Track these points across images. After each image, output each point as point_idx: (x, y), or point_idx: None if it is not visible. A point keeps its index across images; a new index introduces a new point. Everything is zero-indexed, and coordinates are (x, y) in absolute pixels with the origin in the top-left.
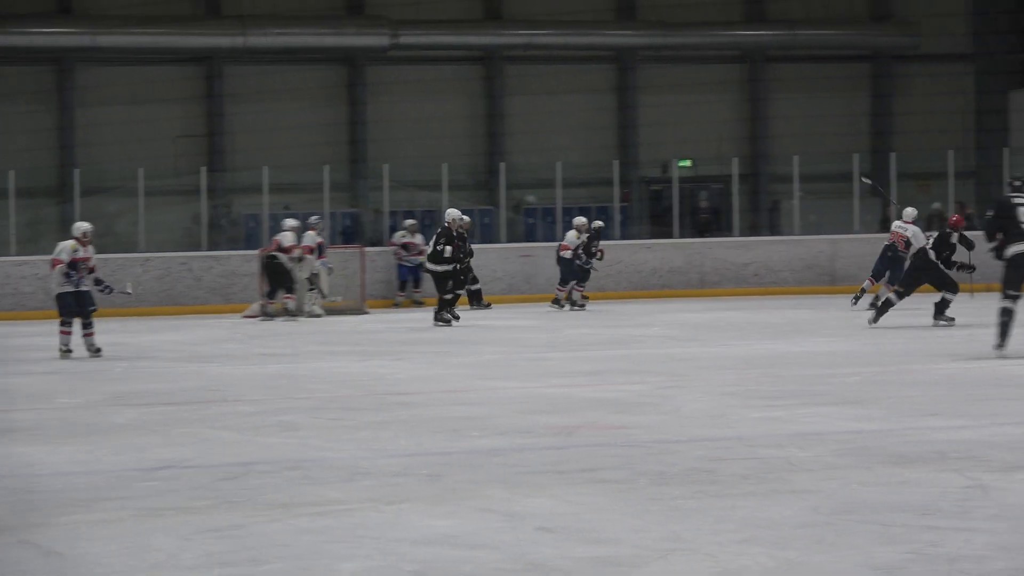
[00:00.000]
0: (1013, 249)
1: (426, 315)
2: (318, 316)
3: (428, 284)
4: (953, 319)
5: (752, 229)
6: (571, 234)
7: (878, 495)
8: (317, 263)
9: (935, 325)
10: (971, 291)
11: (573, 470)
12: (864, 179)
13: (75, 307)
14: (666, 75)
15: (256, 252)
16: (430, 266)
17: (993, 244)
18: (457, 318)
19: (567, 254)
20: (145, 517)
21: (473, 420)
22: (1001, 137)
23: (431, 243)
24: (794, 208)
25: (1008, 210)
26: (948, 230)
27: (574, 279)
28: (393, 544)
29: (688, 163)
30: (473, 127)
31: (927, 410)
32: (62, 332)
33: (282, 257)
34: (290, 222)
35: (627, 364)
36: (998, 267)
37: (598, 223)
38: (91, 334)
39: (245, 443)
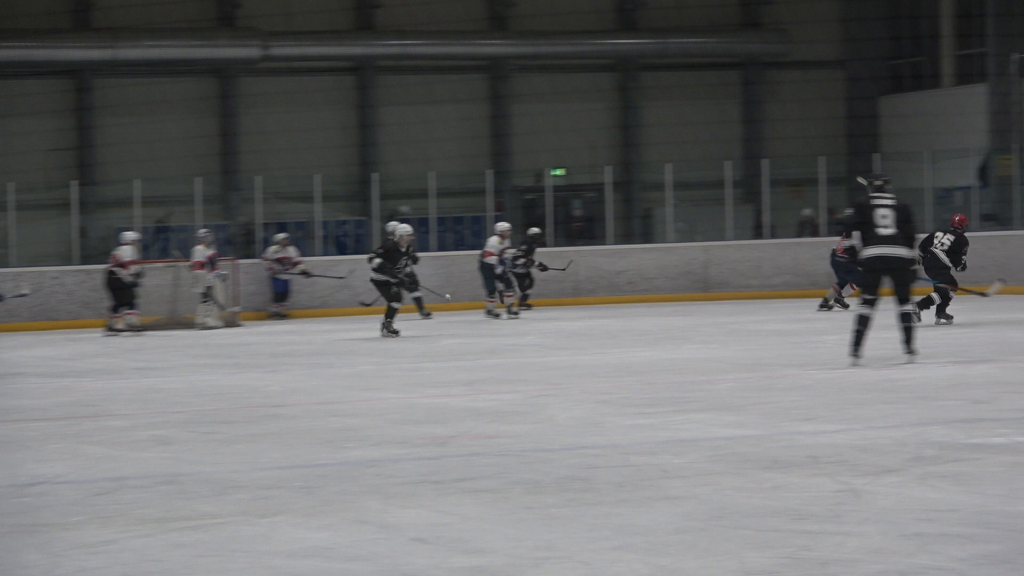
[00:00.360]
0: (869, 252)
1: (298, 327)
2: (214, 328)
3: (302, 297)
4: (952, 316)
5: (626, 237)
6: (493, 240)
7: (752, 500)
8: (210, 275)
9: (938, 324)
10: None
11: (448, 480)
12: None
13: None
14: (539, 84)
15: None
16: (375, 276)
17: (848, 244)
18: (396, 332)
19: (492, 260)
20: (17, 534)
21: (348, 431)
22: (872, 143)
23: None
24: (667, 215)
25: (867, 212)
26: (958, 229)
27: (503, 287)
28: (267, 557)
29: (561, 172)
30: (346, 137)
31: (800, 415)
32: None
33: (121, 272)
34: (129, 235)
35: (502, 373)
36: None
37: (535, 230)
38: None
39: (118, 458)
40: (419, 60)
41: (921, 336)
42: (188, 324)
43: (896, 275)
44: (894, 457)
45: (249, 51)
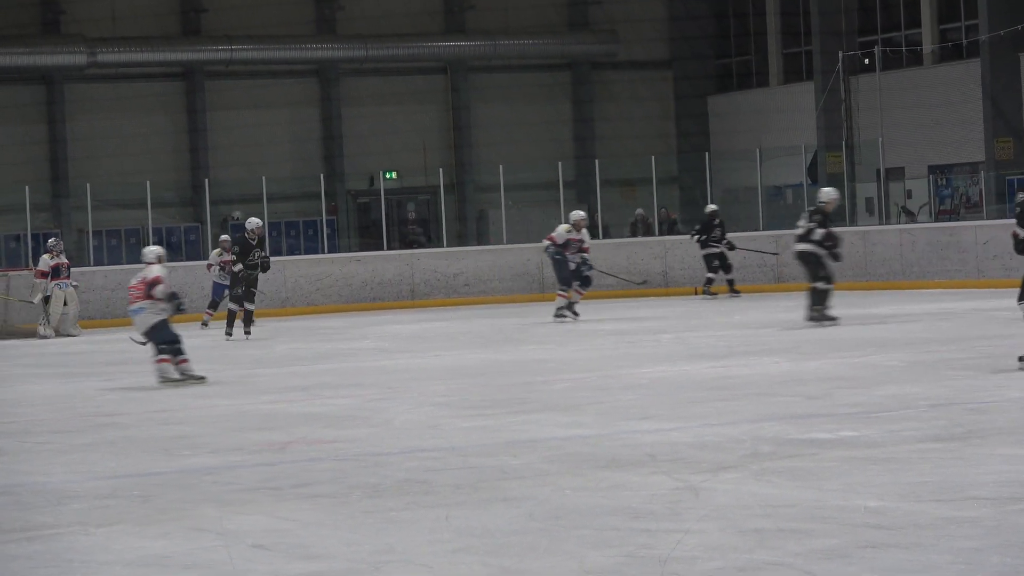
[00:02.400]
0: None
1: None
2: (45, 338)
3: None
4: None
5: (460, 239)
6: (561, 228)
7: (590, 500)
8: (51, 284)
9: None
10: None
11: (286, 486)
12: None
13: None
14: (369, 87)
15: None
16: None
17: None
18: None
19: (546, 243)
20: None
21: (183, 439)
22: (702, 142)
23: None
24: (501, 217)
25: None
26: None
27: (577, 283)
28: (104, 567)
29: (394, 175)
30: (176, 143)
31: (637, 414)
32: None
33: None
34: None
35: (338, 378)
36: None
37: (712, 207)
38: None
39: None
40: (248, 64)
41: (753, 333)
42: (21, 334)
43: None
44: (731, 454)
45: (75, 57)
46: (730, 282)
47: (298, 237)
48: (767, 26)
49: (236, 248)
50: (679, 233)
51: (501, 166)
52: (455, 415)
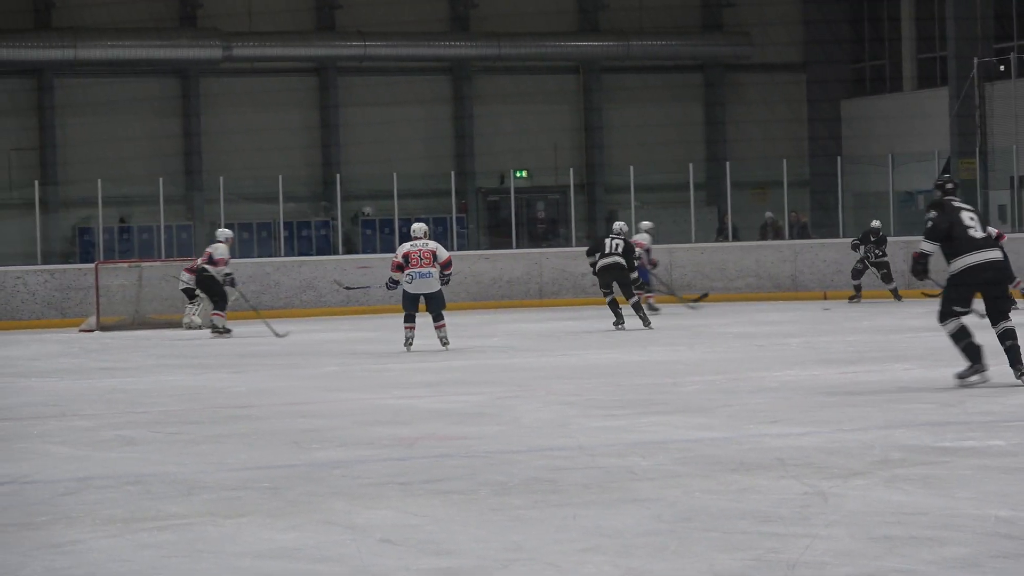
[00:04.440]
0: (961, 263)
1: (263, 328)
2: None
3: (266, 297)
4: None
5: (590, 239)
6: (644, 236)
7: (720, 502)
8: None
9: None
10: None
11: (415, 481)
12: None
13: None
14: (501, 86)
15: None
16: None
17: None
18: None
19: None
20: None
21: (314, 432)
22: (834, 146)
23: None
24: (630, 218)
25: (953, 214)
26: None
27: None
28: (234, 558)
29: (524, 174)
30: (309, 138)
31: (766, 418)
32: None
33: (213, 270)
34: (223, 232)
35: (467, 375)
36: None
37: (876, 223)
38: None
39: (84, 458)
40: (382, 61)
41: (884, 339)
42: (152, 325)
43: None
44: (861, 460)
45: (211, 51)
46: (894, 291)
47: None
48: (901, 31)
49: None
50: (809, 237)
51: (631, 167)
52: (583, 414)
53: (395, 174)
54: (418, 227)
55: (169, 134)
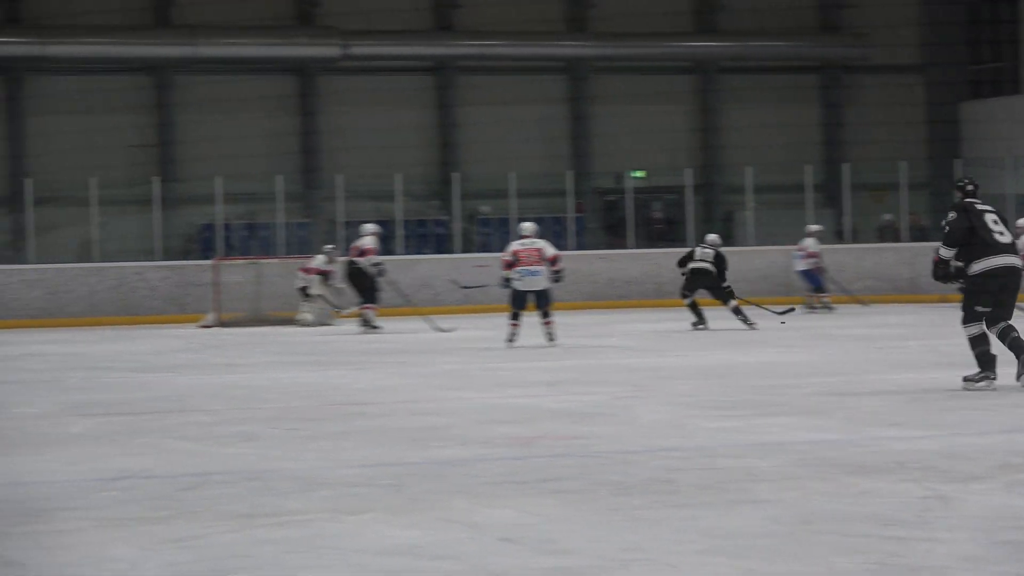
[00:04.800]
0: (983, 265)
1: (382, 325)
2: (312, 325)
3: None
4: None
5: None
6: (810, 241)
7: (838, 505)
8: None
9: None
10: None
11: (533, 480)
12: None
13: None
14: (619, 86)
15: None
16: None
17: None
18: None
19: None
20: (105, 527)
21: (433, 430)
22: (953, 148)
23: None
24: (748, 219)
25: (977, 217)
26: None
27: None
28: (354, 555)
29: (641, 174)
30: (426, 137)
31: (886, 420)
32: None
33: (361, 262)
34: (369, 227)
35: (585, 375)
36: None
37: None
38: None
39: (204, 453)
40: (499, 60)
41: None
42: (270, 321)
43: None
44: (981, 464)
45: (329, 50)
46: None
47: (545, 234)
48: (1020, 34)
49: None
50: (927, 240)
51: (748, 168)
52: (701, 415)
53: (512, 174)
54: (527, 226)
55: (287, 132)
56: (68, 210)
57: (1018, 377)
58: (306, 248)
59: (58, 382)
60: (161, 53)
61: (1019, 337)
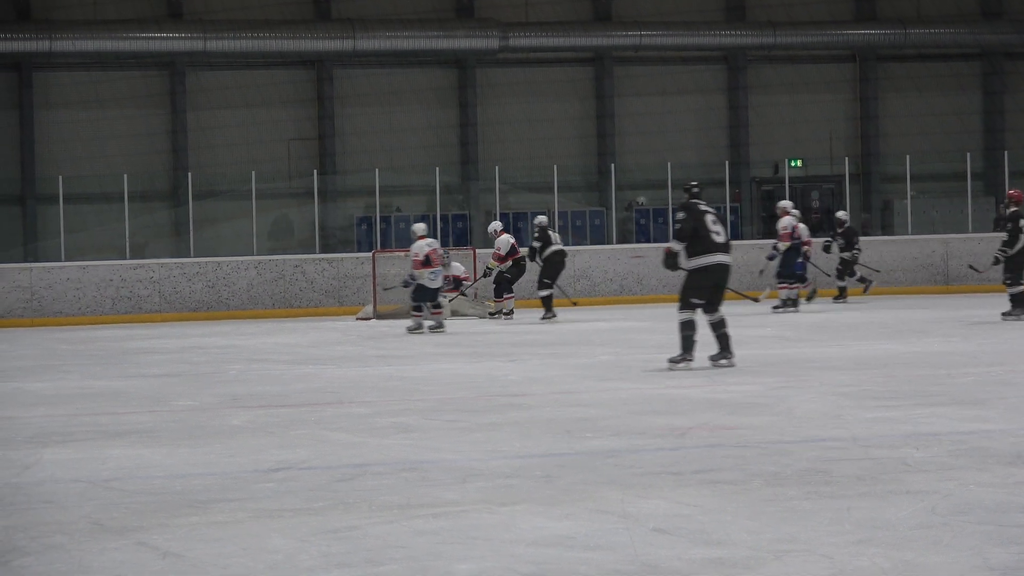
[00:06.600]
0: (701, 261)
1: (534, 316)
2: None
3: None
4: None
5: (864, 229)
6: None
7: (995, 496)
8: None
9: None
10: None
11: (687, 471)
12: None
13: None
14: (776, 75)
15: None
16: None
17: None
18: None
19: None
20: (262, 518)
21: (586, 421)
22: None
23: None
24: (907, 207)
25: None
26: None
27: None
28: (508, 545)
29: (799, 163)
30: (583, 128)
31: None
32: None
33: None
34: (496, 224)
35: (740, 365)
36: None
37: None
38: None
39: (361, 445)
40: (656, 51)
41: None
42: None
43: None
44: None
45: (487, 42)
46: None
47: None
48: None
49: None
50: None
51: (908, 156)
52: (858, 405)
53: (669, 164)
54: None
55: (445, 124)
56: (228, 204)
57: (712, 358)
58: (463, 240)
59: (218, 375)
60: (321, 47)
61: (727, 333)
